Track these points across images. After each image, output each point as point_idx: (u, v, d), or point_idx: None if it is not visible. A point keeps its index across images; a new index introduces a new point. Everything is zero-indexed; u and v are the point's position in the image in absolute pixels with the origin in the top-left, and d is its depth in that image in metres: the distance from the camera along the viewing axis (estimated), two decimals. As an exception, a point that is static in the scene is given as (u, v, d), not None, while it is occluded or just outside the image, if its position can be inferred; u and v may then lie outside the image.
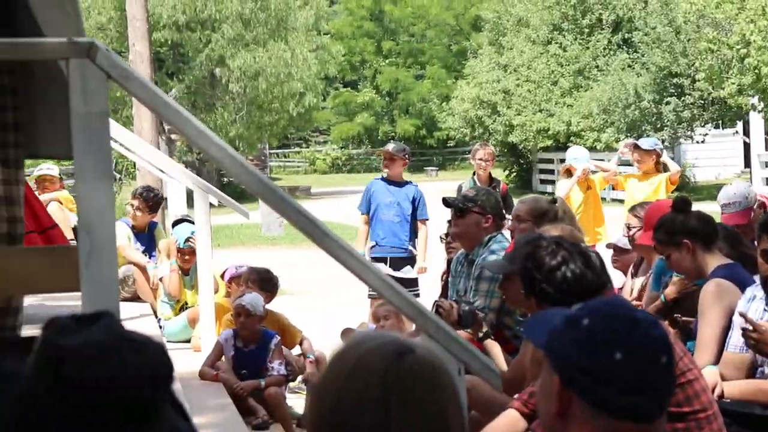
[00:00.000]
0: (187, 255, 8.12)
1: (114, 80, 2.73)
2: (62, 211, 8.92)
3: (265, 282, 7.19)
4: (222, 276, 7.88)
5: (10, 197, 3.11)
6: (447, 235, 7.02)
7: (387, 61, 52.65)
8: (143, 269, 8.59)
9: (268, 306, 7.00)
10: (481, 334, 4.81)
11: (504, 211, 6.08)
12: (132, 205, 8.92)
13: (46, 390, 1.43)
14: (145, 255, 8.80)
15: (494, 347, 4.78)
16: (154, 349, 1.53)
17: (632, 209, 6.29)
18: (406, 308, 2.91)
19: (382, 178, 8.95)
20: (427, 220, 8.93)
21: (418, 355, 1.76)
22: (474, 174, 9.48)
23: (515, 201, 6.65)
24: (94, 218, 2.71)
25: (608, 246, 6.72)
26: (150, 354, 1.51)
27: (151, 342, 1.54)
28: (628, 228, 6.15)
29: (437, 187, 25.19)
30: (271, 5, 32.22)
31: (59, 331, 1.49)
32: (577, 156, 9.54)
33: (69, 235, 8.73)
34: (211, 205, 7.66)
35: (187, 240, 8.08)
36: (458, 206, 5.78)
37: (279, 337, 6.72)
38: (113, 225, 2.75)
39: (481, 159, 9.35)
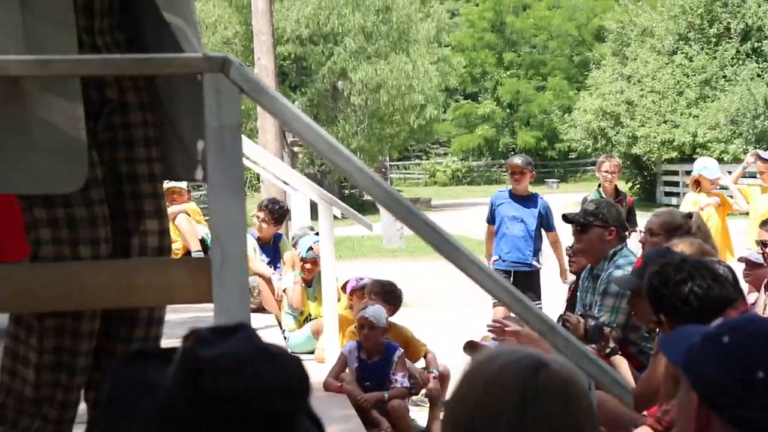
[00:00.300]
0: (309, 264, 8.19)
1: (246, 94, 2.77)
2: (190, 222, 9.08)
3: (389, 294, 7.21)
4: (343, 288, 7.92)
5: (160, 210, 3.19)
6: (571, 247, 6.94)
7: (508, 72, 52.46)
8: (268, 281, 8.70)
9: (392, 318, 7.02)
10: (608, 350, 4.75)
11: (627, 223, 5.99)
12: (258, 217, 9.04)
13: (185, 401, 1.45)
14: (270, 266, 8.91)
15: (621, 363, 4.71)
16: (290, 361, 1.54)
17: (765, 224, 6.13)
18: (535, 323, 2.88)
19: (509, 192, 8.86)
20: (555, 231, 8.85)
21: (554, 369, 1.74)
22: (599, 186, 9.36)
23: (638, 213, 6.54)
24: (225, 230, 2.75)
25: (740, 260, 6.56)
26: (286, 366, 1.52)
27: (287, 354, 1.55)
28: (763, 244, 5.99)
29: (558, 200, 24.96)
30: (393, 18, 32.41)
31: (198, 342, 1.51)
32: (706, 166, 9.35)
33: (196, 246, 8.90)
34: (334, 217, 7.72)
35: (309, 249, 8.15)
36: (579, 221, 5.70)
37: (402, 350, 6.72)
38: (244, 237, 2.78)
39: (606, 171, 9.23)
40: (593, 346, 4.74)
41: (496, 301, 8.40)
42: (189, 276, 2.86)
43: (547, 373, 1.73)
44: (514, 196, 8.78)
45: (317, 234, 8.13)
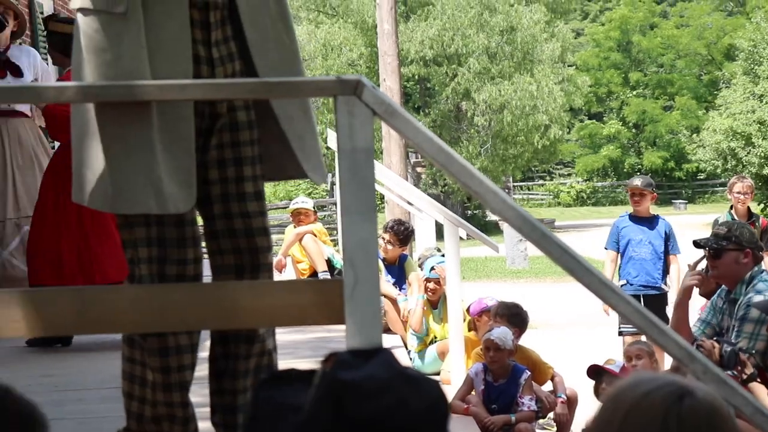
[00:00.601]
0: (432, 285, 8.18)
1: (379, 116, 2.78)
2: (316, 243, 9.16)
3: (515, 316, 7.15)
4: (468, 309, 7.88)
5: (267, 228, 3.22)
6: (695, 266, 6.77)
7: (634, 92, 51.78)
8: (394, 301, 8.71)
9: (518, 341, 6.95)
10: (745, 376, 4.62)
11: (761, 245, 5.82)
12: (383, 239, 9.08)
13: (326, 423, 1.45)
14: (396, 287, 8.92)
15: (760, 390, 4.58)
16: (430, 385, 1.53)
17: None
18: (672, 349, 2.81)
19: (630, 215, 8.72)
20: (679, 254, 8.66)
21: (699, 397, 1.70)
22: (731, 208, 9.14)
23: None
24: (358, 253, 2.75)
25: None
26: (427, 390, 1.51)
27: (427, 378, 1.54)
28: None
29: (687, 221, 24.51)
30: (518, 39, 32.32)
31: (339, 365, 1.51)
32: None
33: (323, 266, 8.97)
34: (459, 238, 7.69)
35: (432, 269, 8.14)
36: (712, 247, 5.54)
37: (529, 373, 6.65)
38: (376, 259, 2.79)
39: (739, 192, 9.00)
40: (729, 372, 4.62)
41: (623, 328, 8.27)
42: (321, 298, 2.88)
43: (691, 400, 1.69)
44: (637, 219, 8.63)
45: (443, 255, 8.12)
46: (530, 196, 51.91)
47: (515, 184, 49.26)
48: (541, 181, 53.79)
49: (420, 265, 8.97)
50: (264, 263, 3.18)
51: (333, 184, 23.34)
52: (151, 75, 2.90)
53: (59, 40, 6.29)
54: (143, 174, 2.88)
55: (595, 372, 6.16)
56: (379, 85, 17.68)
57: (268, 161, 3.20)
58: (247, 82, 2.85)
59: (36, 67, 7.04)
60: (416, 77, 34.63)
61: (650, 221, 8.64)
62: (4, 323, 2.35)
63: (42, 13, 11.31)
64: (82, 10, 2.97)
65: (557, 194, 51.15)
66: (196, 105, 3.01)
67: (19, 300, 2.42)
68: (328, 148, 10.48)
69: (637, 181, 8.73)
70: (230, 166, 3.13)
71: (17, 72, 6.73)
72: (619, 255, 8.65)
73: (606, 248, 8.82)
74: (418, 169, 31.36)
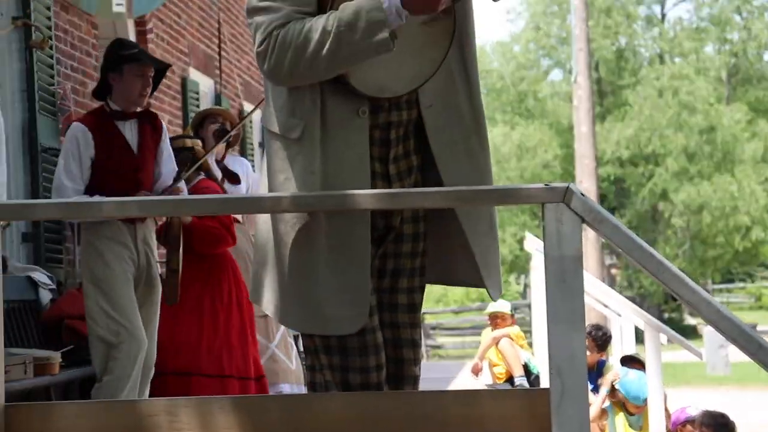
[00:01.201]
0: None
1: (588, 224, 2.75)
2: (513, 347, 9.08)
3: (721, 427, 6.86)
4: (668, 416, 7.62)
5: (413, 340, 3.23)
6: None
7: (842, 193, 49.76)
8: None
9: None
10: None
11: None
12: (581, 344, 8.91)
13: None
14: (594, 393, 8.72)
15: None
16: None
17: None
18: None
19: None
20: None
21: None
22: None
23: None
24: (565, 361, 2.71)
25: None
26: None
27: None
28: None
29: None
30: (718, 138, 31.67)
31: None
32: None
33: (519, 371, 8.87)
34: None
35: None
36: None
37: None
38: (584, 369, 2.73)
39: None
40: None
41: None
42: (528, 407, 2.84)
43: None
44: None
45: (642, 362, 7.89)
46: (730, 299, 50.18)
47: (715, 286, 47.77)
48: (741, 284, 52.01)
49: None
50: (409, 375, 3.17)
51: (527, 286, 23.18)
52: None
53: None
54: (306, 295, 2.95)
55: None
56: (575, 186, 17.57)
57: (445, 265, 3.20)
58: (456, 191, 2.86)
59: (249, 176, 7.32)
60: (612, 177, 34.27)
61: None
62: (216, 429, 2.40)
63: (251, 122, 11.77)
64: (267, 131, 3.05)
65: (759, 297, 49.30)
66: (373, 218, 3.02)
67: (231, 406, 2.48)
68: (521, 249, 10.44)
69: None
70: (387, 277, 3.14)
71: (235, 179, 6.98)
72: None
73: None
74: (613, 271, 30.83)
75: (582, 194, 2.78)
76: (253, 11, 2.92)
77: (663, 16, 36.36)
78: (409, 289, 3.17)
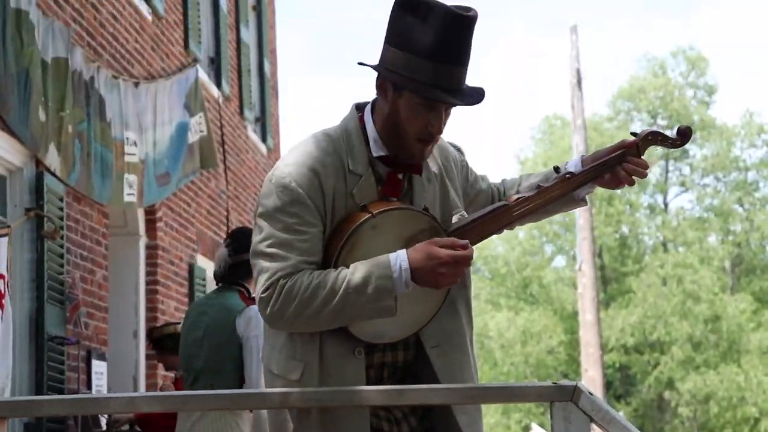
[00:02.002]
0: None
1: (596, 423, 2.75)
2: None
3: None
4: None
5: None
6: None
7: None
8: None
9: None
10: None
11: None
12: None
13: None
14: None
15: None
16: None
17: None
18: None
19: None
20: None
21: None
22: None
23: None
24: None
25: None
26: None
27: None
28: None
29: None
30: (723, 327, 31.62)
31: None
32: None
33: None
34: None
35: None
36: None
37: None
38: None
39: None
40: None
41: None
42: None
43: None
44: None
45: None
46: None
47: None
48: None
49: None
50: None
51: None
52: None
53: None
54: None
55: None
56: (581, 376, 17.46)
57: None
58: (464, 388, 2.87)
59: None
60: (617, 365, 34.05)
61: None
62: None
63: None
64: (267, 371, 3.04)
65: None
66: (378, 413, 3.02)
67: None
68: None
69: None
70: None
71: None
72: None
73: None
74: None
75: (590, 393, 2.79)
76: (258, 255, 2.92)
77: (666, 205, 36.84)
78: None
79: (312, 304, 2.83)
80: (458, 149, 3.29)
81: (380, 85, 2.96)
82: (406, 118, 2.92)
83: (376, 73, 2.96)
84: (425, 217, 2.96)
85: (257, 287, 2.90)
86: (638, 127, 36.11)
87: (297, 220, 2.88)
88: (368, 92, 3.14)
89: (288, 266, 2.86)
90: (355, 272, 2.84)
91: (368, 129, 2.99)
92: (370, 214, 2.89)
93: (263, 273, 2.88)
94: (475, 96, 2.94)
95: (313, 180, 2.90)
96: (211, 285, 11.09)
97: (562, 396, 2.74)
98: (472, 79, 2.99)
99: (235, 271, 5.67)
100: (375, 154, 2.98)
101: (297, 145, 3.01)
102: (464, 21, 2.87)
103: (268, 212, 2.90)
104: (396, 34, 2.91)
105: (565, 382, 2.74)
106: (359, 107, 3.06)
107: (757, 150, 35.91)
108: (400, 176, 3.01)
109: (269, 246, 2.88)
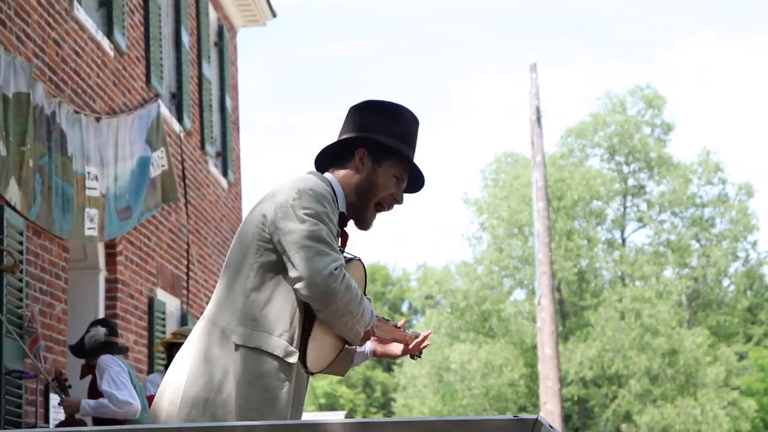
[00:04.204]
0: None
1: (555, 457, 2.79)
2: None
3: None
4: None
5: None
6: None
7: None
8: None
9: None
10: None
11: None
12: None
13: None
14: None
15: None
16: None
17: None
18: None
19: None
20: None
21: None
22: None
23: None
24: None
25: None
26: None
27: None
28: None
29: None
30: (680, 361, 31.82)
31: None
32: None
33: None
34: None
35: None
36: None
37: None
38: None
39: None
40: None
41: None
42: None
43: None
44: None
45: None
46: None
47: None
48: None
49: None
50: None
51: None
52: None
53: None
54: None
55: None
56: (540, 408, 17.50)
57: None
58: (426, 421, 2.90)
59: None
60: (575, 398, 34.15)
61: None
62: None
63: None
64: (249, 348, 3.21)
65: None
66: None
67: None
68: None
69: None
70: None
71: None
72: None
73: None
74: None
75: (551, 426, 2.83)
76: (315, 239, 3.17)
77: (623, 240, 37.11)
78: None
79: (355, 302, 3.21)
80: None
81: (359, 154, 3.37)
82: (382, 185, 3.37)
83: (341, 131, 3.45)
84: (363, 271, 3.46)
85: (317, 263, 3.13)
86: (596, 164, 36.40)
87: (333, 229, 3.24)
88: (326, 128, 3.46)
89: (342, 262, 3.19)
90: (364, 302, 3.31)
91: (336, 190, 3.35)
92: (355, 257, 3.38)
93: (325, 255, 3.15)
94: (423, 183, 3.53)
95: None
96: (171, 319, 11.07)
97: (523, 429, 2.78)
98: (436, 116, 3.28)
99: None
100: (340, 210, 3.35)
101: (306, 177, 3.32)
102: (418, 123, 3.46)
103: (318, 213, 3.20)
104: (371, 124, 3.40)
105: (525, 415, 2.78)
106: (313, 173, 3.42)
107: (713, 187, 36.35)
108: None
109: (328, 236, 3.18)
